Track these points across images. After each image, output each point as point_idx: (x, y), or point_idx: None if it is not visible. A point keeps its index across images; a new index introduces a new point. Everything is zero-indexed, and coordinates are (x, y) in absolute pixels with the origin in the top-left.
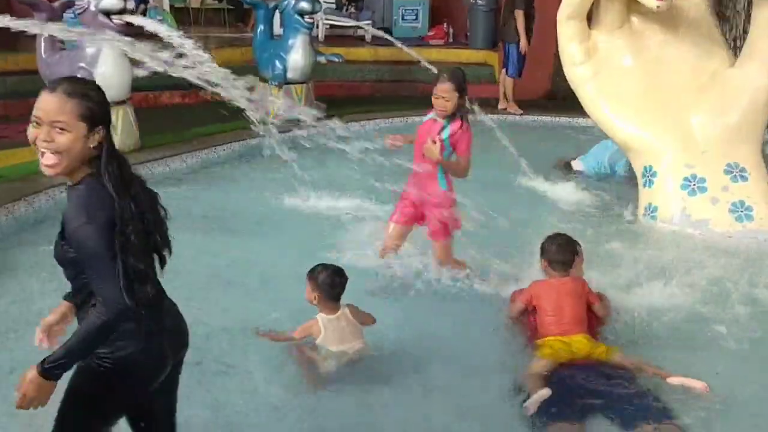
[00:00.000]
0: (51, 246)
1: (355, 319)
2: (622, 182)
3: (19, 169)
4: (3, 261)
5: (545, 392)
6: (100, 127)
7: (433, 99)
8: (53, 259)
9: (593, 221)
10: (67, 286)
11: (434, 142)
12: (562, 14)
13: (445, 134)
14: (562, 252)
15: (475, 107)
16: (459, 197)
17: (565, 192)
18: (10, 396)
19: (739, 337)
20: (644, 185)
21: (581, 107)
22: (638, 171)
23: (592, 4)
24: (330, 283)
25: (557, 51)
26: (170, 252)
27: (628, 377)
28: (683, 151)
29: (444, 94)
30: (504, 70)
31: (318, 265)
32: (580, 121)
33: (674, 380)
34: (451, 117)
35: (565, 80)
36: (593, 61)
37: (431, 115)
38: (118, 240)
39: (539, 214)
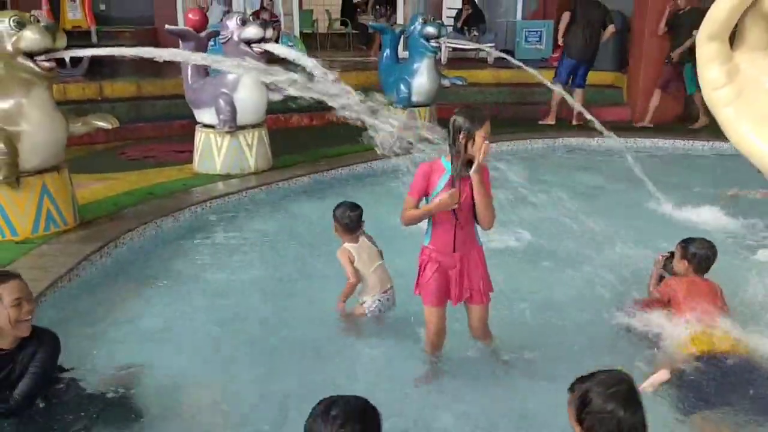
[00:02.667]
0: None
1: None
2: None
3: (166, 186)
4: (150, 268)
5: (664, 375)
6: None
7: (484, 146)
8: (188, 267)
9: (739, 253)
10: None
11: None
12: (703, 35)
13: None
14: (711, 256)
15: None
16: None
17: (713, 221)
18: None
19: None
20: None
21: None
22: None
23: (736, 24)
24: (345, 216)
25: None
26: None
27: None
28: None
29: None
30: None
31: (339, 203)
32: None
33: None
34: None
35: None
36: (735, 83)
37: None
38: None
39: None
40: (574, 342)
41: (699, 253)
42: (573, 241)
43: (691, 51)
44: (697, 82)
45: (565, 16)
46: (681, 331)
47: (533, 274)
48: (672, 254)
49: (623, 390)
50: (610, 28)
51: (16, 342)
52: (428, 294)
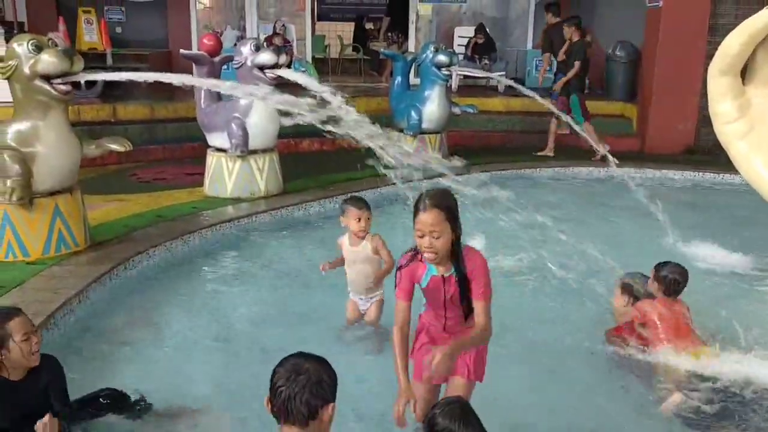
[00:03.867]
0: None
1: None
2: None
3: (177, 209)
4: (159, 290)
5: (678, 398)
6: None
7: (416, 236)
8: (196, 290)
9: (751, 291)
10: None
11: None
12: (714, 69)
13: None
14: (681, 280)
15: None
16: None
17: (720, 255)
18: None
19: None
20: None
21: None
22: None
23: (747, 58)
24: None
25: (702, 105)
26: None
27: None
28: None
29: (432, 228)
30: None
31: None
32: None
33: None
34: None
35: (708, 135)
36: (747, 118)
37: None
38: None
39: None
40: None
41: (670, 277)
42: (574, 272)
43: (576, 81)
44: (583, 112)
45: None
46: (672, 353)
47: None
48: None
49: (458, 408)
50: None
51: (26, 372)
52: (416, 368)
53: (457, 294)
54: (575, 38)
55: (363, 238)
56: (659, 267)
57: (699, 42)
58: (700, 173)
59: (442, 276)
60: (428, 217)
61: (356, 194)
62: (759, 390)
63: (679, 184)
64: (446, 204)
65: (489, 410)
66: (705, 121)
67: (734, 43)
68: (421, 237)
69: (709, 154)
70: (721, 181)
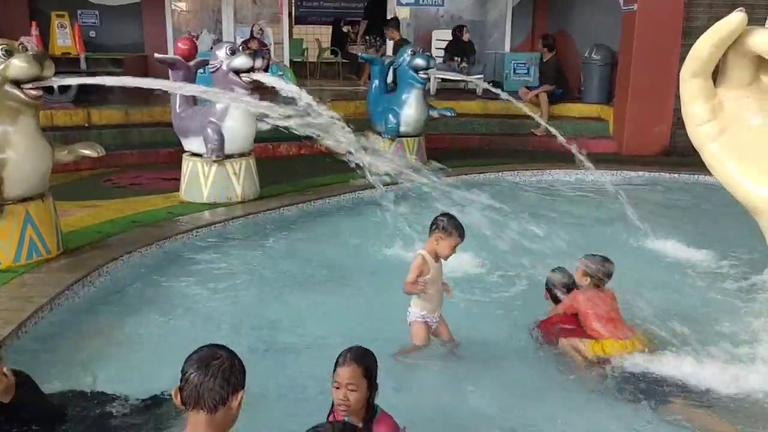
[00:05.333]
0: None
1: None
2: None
3: (152, 214)
4: (134, 298)
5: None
6: None
7: (332, 389)
8: (173, 297)
9: (724, 289)
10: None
11: None
12: (686, 72)
13: None
14: (607, 271)
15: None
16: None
17: (691, 253)
18: None
19: None
20: None
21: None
22: (766, 233)
23: (718, 61)
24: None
25: (677, 107)
26: None
27: None
28: None
29: (349, 381)
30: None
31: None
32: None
33: None
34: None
35: (684, 137)
36: (719, 119)
37: None
38: None
39: (669, 275)
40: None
41: (597, 268)
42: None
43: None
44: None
45: None
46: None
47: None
48: (558, 269)
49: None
50: None
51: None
52: None
53: None
54: (546, 56)
55: None
56: (587, 259)
57: (673, 45)
58: (676, 174)
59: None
60: (346, 371)
61: (456, 219)
62: (690, 378)
63: (655, 184)
64: (366, 361)
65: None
66: (680, 123)
67: (705, 46)
68: (337, 389)
69: (685, 155)
70: (696, 181)
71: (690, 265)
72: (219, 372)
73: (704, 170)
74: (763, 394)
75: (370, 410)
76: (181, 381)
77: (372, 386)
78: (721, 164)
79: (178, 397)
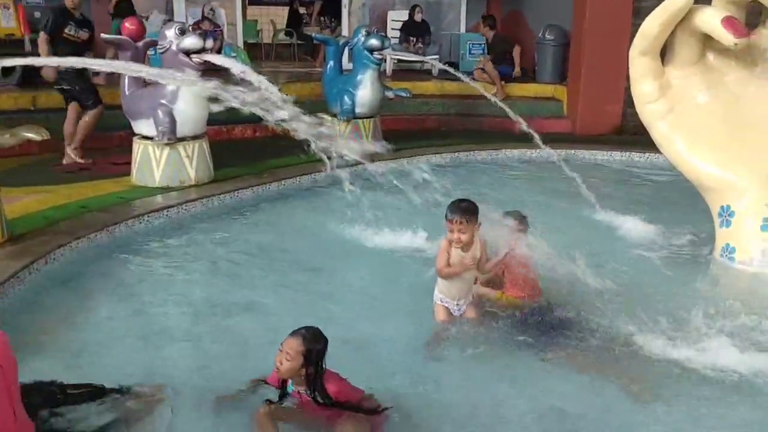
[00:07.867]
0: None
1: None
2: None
3: (102, 199)
4: (84, 285)
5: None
6: None
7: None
8: (124, 283)
9: (666, 260)
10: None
11: None
12: (635, 51)
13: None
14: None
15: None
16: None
17: (638, 228)
18: None
19: None
20: (721, 225)
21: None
22: (714, 210)
23: (666, 40)
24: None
25: (628, 87)
26: None
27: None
28: (764, 191)
29: (288, 349)
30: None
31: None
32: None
33: None
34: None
35: (635, 116)
36: (667, 98)
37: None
38: None
39: (613, 249)
40: None
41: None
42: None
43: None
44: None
45: None
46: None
47: None
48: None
49: None
50: None
51: None
52: None
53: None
54: (488, 36)
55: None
56: (503, 217)
57: (624, 25)
58: (627, 153)
59: (298, 391)
60: (291, 341)
61: (453, 203)
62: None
63: (608, 163)
64: (311, 344)
65: None
66: (632, 102)
67: (653, 25)
68: (280, 351)
69: (636, 134)
70: (646, 160)
71: (635, 237)
72: None
73: (655, 149)
74: (650, 347)
75: (311, 383)
76: None
77: (309, 366)
78: (670, 142)
79: None
